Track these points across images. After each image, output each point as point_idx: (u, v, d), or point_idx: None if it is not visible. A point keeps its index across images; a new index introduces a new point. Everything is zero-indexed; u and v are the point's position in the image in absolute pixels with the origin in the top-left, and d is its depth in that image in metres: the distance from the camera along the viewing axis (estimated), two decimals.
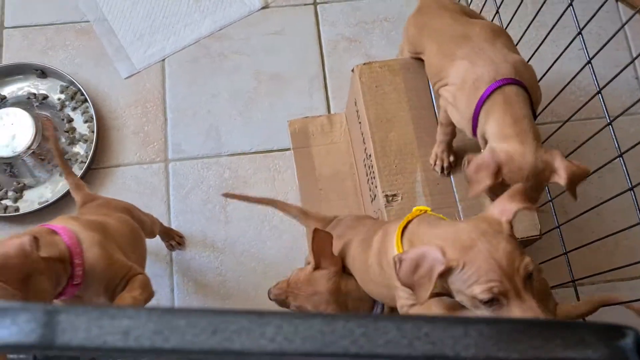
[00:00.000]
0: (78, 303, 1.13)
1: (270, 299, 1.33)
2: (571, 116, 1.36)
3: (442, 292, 0.93)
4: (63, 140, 1.81)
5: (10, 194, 1.76)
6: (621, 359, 0.40)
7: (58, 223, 1.12)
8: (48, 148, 1.76)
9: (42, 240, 1.01)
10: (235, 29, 1.96)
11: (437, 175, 1.42)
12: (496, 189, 1.07)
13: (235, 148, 1.83)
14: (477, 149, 1.23)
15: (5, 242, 0.98)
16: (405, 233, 1.01)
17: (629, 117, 1.84)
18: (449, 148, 1.39)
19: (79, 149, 1.81)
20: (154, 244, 1.64)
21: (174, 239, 1.68)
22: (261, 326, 0.40)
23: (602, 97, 1.23)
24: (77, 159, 1.79)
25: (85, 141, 1.81)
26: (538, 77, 1.31)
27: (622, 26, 1.20)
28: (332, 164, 1.77)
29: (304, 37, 1.96)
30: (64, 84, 1.87)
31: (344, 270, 1.27)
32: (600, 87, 1.22)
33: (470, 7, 1.59)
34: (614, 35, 1.21)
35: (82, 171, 1.74)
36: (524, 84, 1.16)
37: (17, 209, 1.74)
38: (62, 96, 1.86)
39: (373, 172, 1.46)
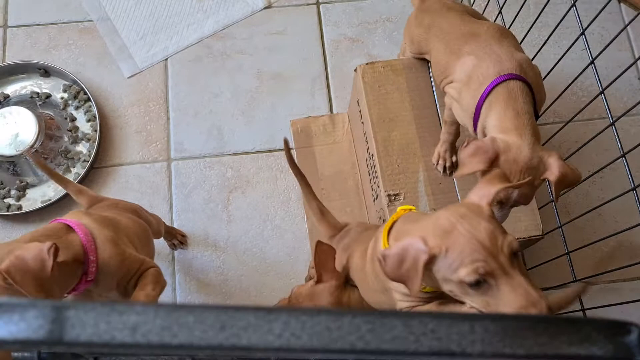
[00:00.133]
0: (87, 298, 1.14)
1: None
2: (573, 117, 1.36)
3: (433, 289, 0.92)
4: (66, 139, 1.81)
5: (13, 192, 1.76)
6: (626, 355, 0.41)
7: (72, 218, 1.12)
8: (51, 147, 1.76)
9: (59, 242, 1.01)
10: (238, 29, 1.97)
11: (439, 175, 1.42)
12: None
13: (238, 147, 1.83)
14: None
15: (25, 246, 0.97)
16: (391, 232, 1.00)
17: (631, 118, 1.85)
18: (452, 148, 1.40)
19: (82, 147, 1.82)
20: (156, 243, 1.64)
21: (176, 238, 1.68)
22: (268, 322, 0.40)
23: (604, 97, 1.23)
24: (79, 158, 1.80)
25: (88, 140, 1.82)
26: (541, 78, 1.31)
27: (625, 27, 1.21)
28: (334, 163, 1.78)
29: (307, 37, 1.96)
30: (67, 83, 1.88)
31: (348, 282, 1.26)
32: (603, 87, 1.23)
33: (473, 7, 1.59)
34: (617, 36, 1.21)
35: (84, 170, 1.75)
36: (528, 81, 1.16)
37: (20, 208, 1.74)
38: (65, 95, 1.87)
39: (375, 171, 1.46)
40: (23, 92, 1.87)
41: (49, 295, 0.96)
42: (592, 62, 1.24)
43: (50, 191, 1.77)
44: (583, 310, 1.44)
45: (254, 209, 1.76)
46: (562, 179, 1.07)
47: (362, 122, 1.55)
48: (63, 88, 1.87)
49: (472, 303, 0.85)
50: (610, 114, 1.22)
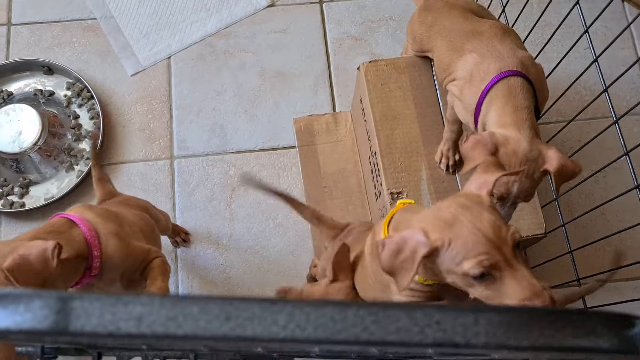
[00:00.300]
0: (90, 290, 1.14)
1: None
2: (576, 115, 1.36)
3: (434, 279, 0.92)
4: (69, 136, 1.81)
5: (16, 189, 1.76)
6: (630, 348, 0.41)
7: (75, 212, 1.12)
8: (54, 144, 1.77)
9: (63, 239, 1.01)
10: (241, 27, 1.97)
11: (442, 173, 1.42)
12: None
13: (240, 145, 1.83)
14: None
15: (28, 245, 0.96)
16: (391, 224, 1.00)
17: (634, 117, 1.85)
18: (455, 146, 1.40)
19: (85, 145, 1.82)
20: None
21: (179, 236, 1.69)
22: (273, 313, 0.40)
23: (608, 95, 1.23)
24: (83, 156, 1.80)
25: (91, 138, 1.82)
26: (545, 76, 1.31)
27: (628, 25, 1.20)
28: (337, 161, 1.78)
29: (310, 36, 1.96)
30: (71, 80, 1.88)
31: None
32: (607, 85, 1.22)
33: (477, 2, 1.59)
34: (620, 34, 1.21)
35: (87, 167, 1.75)
36: (529, 78, 1.16)
37: (23, 205, 1.75)
38: (69, 93, 1.87)
39: (378, 169, 1.47)
40: (27, 89, 1.88)
41: None
42: (595, 60, 1.24)
43: (53, 188, 1.77)
44: (585, 308, 1.44)
45: (257, 207, 1.76)
46: (561, 170, 1.07)
47: (365, 120, 1.55)
48: (66, 86, 1.88)
49: (476, 294, 0.85)
50: (614, 112, 1.22)
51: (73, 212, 1.12)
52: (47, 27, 1.96)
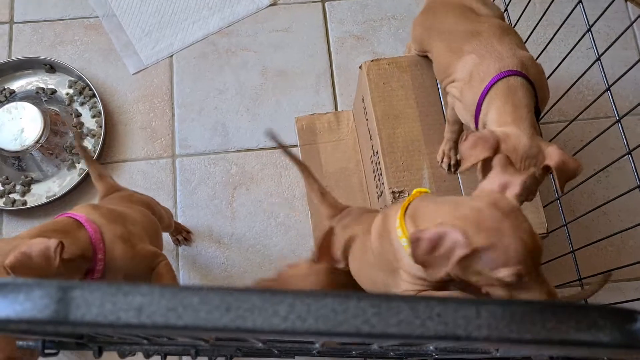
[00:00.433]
0: None
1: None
2: (578, 114, 1.36)
3: (454, 274, 0.92)
4: (71, 135, 1.81)
5: (18, 187, 1.76)
6: (632, 343, 0.40)
7: (81, 213, 1.11)
8: (56, 142, 1.77)
9: (67, 238, 1.00)
10: (243, 26, 1.97)
11: (444, 172, 1.42)
12: (489, 171, 1.08)
13: (242, 144, 1.83)
14: None
15: (30, 242, 0.96)
16: (408, 211, 0.99)
17: (636, 117, 1.84)
18: (456, 146, 1.39)
19: (87, 143, 1.82)
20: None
21: (181, 234, 1.69)
22: (274, 305, 0.40)
23: (611, 94, 1.23)
24: None
25: (93, 136, 1.82)
26: (546, 76, 1.31)
27: (631, 24, 1.20)
28: (339, 160, 1.78)
29: (312, 34, 1.96)
30: (73, 79, 1.88)
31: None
32: (609, 84, 1.22)
33: None
34: (622, 33, 1.21)
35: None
36: (529, 78, 1.16)
37: (24, 203, 1.75)
38: (71, 91, 1.87)
39: (380, 168, 1.46)
40: (29, 87, 1.88)
41: None
42: (598, 59, 1.24)
43: (55, 186, 1.77)
44: (587, 304, 1.43)
45: (258, 205, 1.76)
46: (562, 166, 1.06)
47: (367, 119, 1.55)
48: (68, 84, 1.88)
49: (494, 294, 0.85)
50: (617, 111, 1.22)
51: (79, 212, 1.12)
52: (50, 25, 1.96)
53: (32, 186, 1.78)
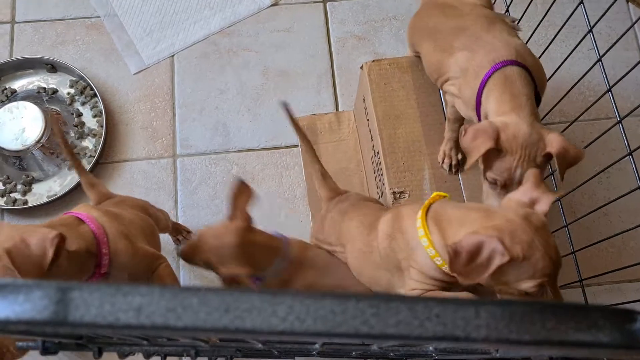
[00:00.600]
0: None
1: (179, 256, 1.29)
2: (579, 115, 1.35)
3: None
4: (72, 134, 1.82)
5: (19, 187, 1.77)
6: (632, 343, 0.40)
7: (82, 211, 1.12)
8: (57, 142, 1.77)
9: (72, 232, 1.01)
10: (245, 26, 1.97)
11: (444, 173, 1.42)
12: (490, 162, 1.07)
13: (243, 144, 1.83)
14: None
15: (35, 231, 0.96)
16: (429, 214, 1.00)
17: (638, 118, 1.84)
18: (457, 145, 1.39)
19: (88, 143, 1.82)
20: (161, 238, 1.64)
21: (181, 234, 1.69)
22: (273, 305, 0.40)
23: (612, 95, 1.22)
24: (85, 153, 1.80)
25: (94, 136, 1.82)
26: (547, 77, 1.30)
27: (632, 25, 1.20)
28: (340, 161, 1.78)
29: (313, 35, 1.96)
30: (74, 78, 1.88)
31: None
32: (611, 85, 1.22)
33: None
34: (624, 34, 1.21)
35: (90, 165, 1.75)
36: (525, 66, 1.15)
37: (25, 202, 1.75)
38: (72, 91, 1.87)
39: (381, 169, 1.46)
40: (30, 87, 1.88)
41: None
42: (599, 60, 1.24)
43: (56, 186, 1.77)
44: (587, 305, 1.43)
45: (259, 206, 1.76)
46: (563, 152, 1.06)
47: (368, 120, 1.55)
48: (70, 84, 1.88)
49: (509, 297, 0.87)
50: (618, 112, 1.22)
51: (80, 210, 1.13)
52: (51, 25, 1.96)
53: (33, 185, 1.78)
